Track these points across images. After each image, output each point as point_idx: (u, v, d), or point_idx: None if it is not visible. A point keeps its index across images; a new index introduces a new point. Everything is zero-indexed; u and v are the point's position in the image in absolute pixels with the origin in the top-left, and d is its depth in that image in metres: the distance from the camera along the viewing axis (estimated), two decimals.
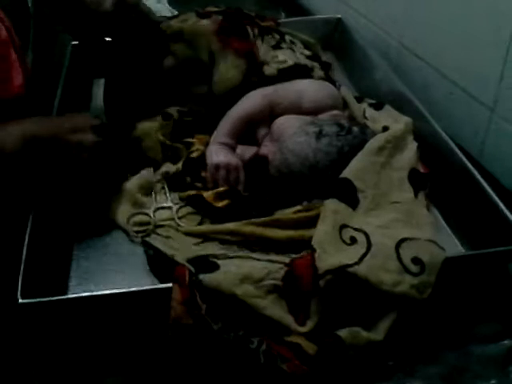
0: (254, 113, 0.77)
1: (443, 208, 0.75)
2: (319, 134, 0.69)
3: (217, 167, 0.73)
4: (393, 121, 0.80)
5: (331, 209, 0.62)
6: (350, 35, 1.11)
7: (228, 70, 0.80)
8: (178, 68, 0.85)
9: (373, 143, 0.69)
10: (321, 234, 0.60)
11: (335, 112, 0.78)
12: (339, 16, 1.16)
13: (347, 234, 0.60)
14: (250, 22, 0.89)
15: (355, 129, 0.72)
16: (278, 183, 0.71)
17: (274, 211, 0.68)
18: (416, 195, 0.67)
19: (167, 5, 1.38)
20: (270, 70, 0.83)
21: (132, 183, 0.75)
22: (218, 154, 0.74)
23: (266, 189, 0.73)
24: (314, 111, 0.78)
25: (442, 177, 0.75)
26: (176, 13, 1.31)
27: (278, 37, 0.92)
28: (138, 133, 0.80)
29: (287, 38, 0.95)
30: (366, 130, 0.74)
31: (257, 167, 0.74)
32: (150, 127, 0.80)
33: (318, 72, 0.90)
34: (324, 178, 0.67)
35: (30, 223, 0.65)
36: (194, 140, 0.79)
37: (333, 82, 0.89)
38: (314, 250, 0.57)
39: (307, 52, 0.96)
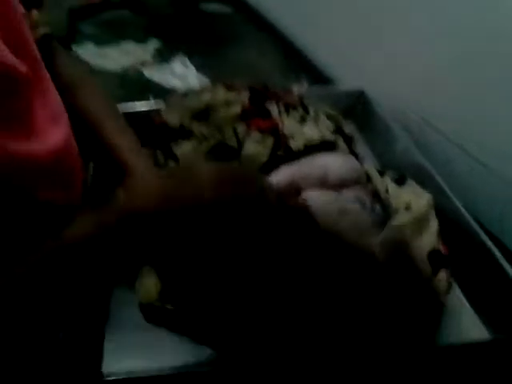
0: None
1: (466, 288, 0.76)
2: (342, 212, 0.71)
3: None
4: (415, 197, 0.81)
5: None
6: (372, 107, 1.14)
7: (255, 147, 0.83)
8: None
9: (394, 222, 0.71)
10: None
11: (359, 188, 0.80)
12: (362, 89, 1.19)
13: None
14: (275, 98, 0.92)
15: (377, 207, 0.74)
16: None
17: None
18: (435, 274, 0.67)
19: (194, 70, 1.43)
20: (296, 144, 0.85)
21: None
22: None
23: None
24: (338, 185, 0.80)
25: (463, 255, 0.76)
26: (203, 78, 1.37)
27: (302, 111, 0.95)
28: None
29: (311, 111, 0.98)
30: (388, 208, 0.75)
31: None
32: None
33: (342, 145, 0.92)
34: None
35: None
36: None
37: (356, 156, 0.91)
38: None
39: (330, 125, 0.98)
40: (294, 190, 0.78)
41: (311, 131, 0.89)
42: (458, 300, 0.72)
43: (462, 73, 0.94)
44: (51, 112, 0.62)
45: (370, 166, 0.90)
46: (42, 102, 0.61)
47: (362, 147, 1.09)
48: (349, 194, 0.77)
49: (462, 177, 0.95)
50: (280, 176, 0.80)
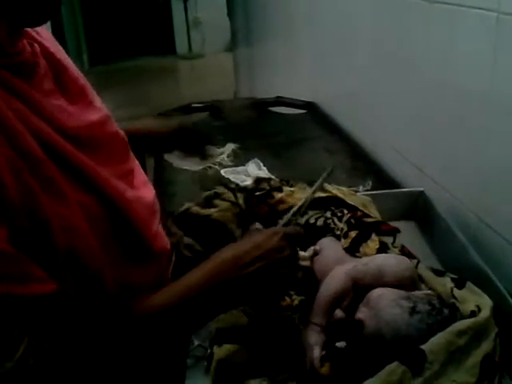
0: (341, 291, 0.87)
1: None
2: (413, 310, 0.77)
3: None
4: (480, 303, 0.83)
5: (389, 370, 0.70)
6: (432, 207, 1.20)
7: None
8: None
9: (456, 326, 0.75)
10: None
11: (429, 292, 0.86)
12: (422, 189, 1.27)
13: None
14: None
15: (445, 311, 0.79)
16: (370, 346, 0.79)
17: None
18: (480, 382, 0.72)
19: (266, 171, 1.56)
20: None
21: None
22: (310, 337, 0.83)
23: (359, 350, 0.80)
24: (394, 284, 0.87)
25: None
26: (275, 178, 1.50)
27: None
28: None
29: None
30: (455, 312, 0.81)
31: (353, 330, 0.82)
32: None
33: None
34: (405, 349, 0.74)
35: None
36: None
37: (408, 256, 1.00)
38: None
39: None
40: (351, 287, 0.87)
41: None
42: None
43: None
44: (144, 177, 0.90)
45: (424, 268, 0.96)
46: (138, 169, 0.89)
47: (422, 246, 1.16)
48: (419, 294, 0.83)
49: None
50: (336, 275, 0.89)
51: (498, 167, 1.05)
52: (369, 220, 1.08)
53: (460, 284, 0.91)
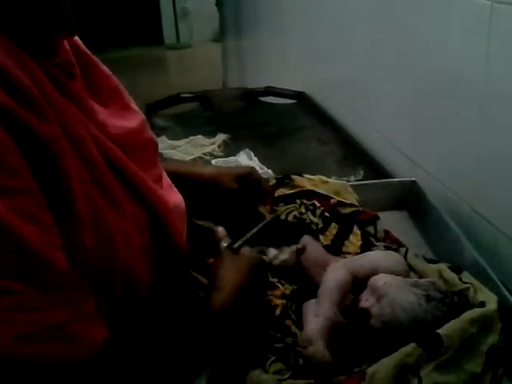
0: (345, 282, 0.87)
1: None
2: (428, 297, 0.78)
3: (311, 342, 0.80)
4: (487, 297, 0.84)
5: (405, 351, 0.71)
6: (424, 197, 1.20)
7: None
8: None
9: (468, 314, 0.76)
10: (381, 367, 0.69)
11: (431, 279, 0.87)
12: (413, 179, 1.27)
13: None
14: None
15: (456, 298, 0.81)
16: (379, 335, 0.79)
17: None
18: (484, 373, 0.72)
19: (258, 161, 1.55)
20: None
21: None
22: (318, 332, 0.81)
23: (365, 340, 0.80)
24: None
25: None
26: (266, 170, 1.49)
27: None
28: None
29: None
30: (465, 300, 0.82)
31: (358, 319, 0.82)
32: None
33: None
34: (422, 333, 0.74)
35: None
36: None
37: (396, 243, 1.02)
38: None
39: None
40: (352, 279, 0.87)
41: None
42: None
43: None
44: (169, 182, 0.85)
45: (414, 256, 0.97)
46: (164, 173, 0.84)
47: (414, 237, 1.16)
48: (424, 282, 0.84)
49: None
50: (335, 270, 0.88)
51: (492, 157, 1.05)
52: (344, 211, 1.07)
53: (457, 272, 0.92)
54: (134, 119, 0.76)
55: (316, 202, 1.07)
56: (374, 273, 0.86)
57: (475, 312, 0.77)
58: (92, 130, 0.62)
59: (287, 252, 0.95)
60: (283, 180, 1.14)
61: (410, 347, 0.72)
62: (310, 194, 1.11)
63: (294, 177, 1.15)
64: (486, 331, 0.76)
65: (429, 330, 0.74)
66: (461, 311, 0.77)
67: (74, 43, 0.71)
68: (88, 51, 0.74)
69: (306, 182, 1.14)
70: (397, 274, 0.86)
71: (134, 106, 0.79)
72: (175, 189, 0.85)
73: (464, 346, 0.73)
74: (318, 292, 0.87)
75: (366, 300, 0.83)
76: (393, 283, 0.82)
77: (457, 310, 0.78)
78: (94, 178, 0.58)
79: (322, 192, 1.11)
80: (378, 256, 0.93)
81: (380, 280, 0.83)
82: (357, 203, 1.12)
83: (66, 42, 0.68)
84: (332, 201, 1.09)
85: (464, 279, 0.88)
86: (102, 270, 0.58)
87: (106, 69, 0.77)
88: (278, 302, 0.87)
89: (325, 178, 1.18)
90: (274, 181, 1.15)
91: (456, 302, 0.81)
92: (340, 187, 1.15)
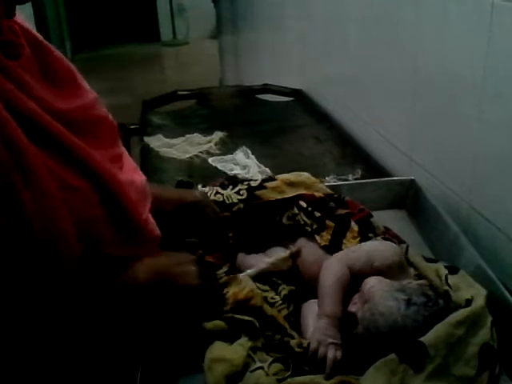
0: (342, 276, 0.86)
1: None
2: (408, 302, 0.76)
3: (321, 343, 0.79)
4: (474, 294, 0.82)
5: (389, 369, 0.69)
6: (423, 195, 1.19)
7: None
8: None
9: (454, 317, 0.74)
10: None
11: (423, 281, 0.85)
12: (412, 177, 1.26)
13: None
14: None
15: (441, 301, 0.78)
16: (363, 340, 0.78)
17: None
18: (480, 374, 0.71)
19: (255, 160, 1.54)
20: None
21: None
22: (326, 332, 0.80)
23: (353, 344, 0.79)
24: (384, 269, 0.86)
25: None
26: (263, 168, 1.48)
27: None
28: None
29: None
30: (449, 302, 0.80)
31: (346, 323, 0.81)
32: None
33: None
34: (403, 340, 0.73)
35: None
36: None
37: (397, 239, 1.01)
38: None
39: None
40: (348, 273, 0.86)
41: None
42: None
43: None
44: (133, 163, 0.89)
45: (415, 253, 0.95)
46: (127, 155, 0.88)
47: (413, 235, 1.15)
48: (413, 285, 0.81)
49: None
50: (331, 264, 0.87)
51: (490, 155, 1.04)
52: (339, 213, 1.04)
53: (453, 272, 0.90)
54: (85, 96, 0.80)
55: (302, 203, 1.04)
56: (370, 264, 0.85)
57: (461, 313, 0.75)
58: (29, 104, 0.66)
59: (274, 257, 0.95)
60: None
61: (393, 363, 0.70)
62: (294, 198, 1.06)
63: (258, 192, 1.06)
64: (474, 330, 0.74)
65: (410, 338, 0.72)
66: (446, 315, 0.75)
67: (27, 30, 0.74)
68: (40, 37, 0.78)
69: (271, 193, 1.06)
70: (393, 266, 0.85)
71: (85, 85, 0.83)
72: (139, 171, 0.90)
73: (452, 352, 0.71)
74: (317, 291, 0.86)
75: (354, 304, 0.82)
76: (378, 288, 0.81)
77: (442, 314, 0.75)
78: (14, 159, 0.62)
79: (289, 196, 1.05)
80: (374, 246, 0.92)
81: (368, 283, 0.82)
82: (328, 191, 1.09)
83: (17, 27, 0.72)
84: (317, 194, 1.06)
85: (455, 279, 0.86)
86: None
87: (58, 53, 0.80)
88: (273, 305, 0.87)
89: (287, 177, 1.09)
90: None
91: (441, 305, 0.78)
92: (307, 181, 1.09)
